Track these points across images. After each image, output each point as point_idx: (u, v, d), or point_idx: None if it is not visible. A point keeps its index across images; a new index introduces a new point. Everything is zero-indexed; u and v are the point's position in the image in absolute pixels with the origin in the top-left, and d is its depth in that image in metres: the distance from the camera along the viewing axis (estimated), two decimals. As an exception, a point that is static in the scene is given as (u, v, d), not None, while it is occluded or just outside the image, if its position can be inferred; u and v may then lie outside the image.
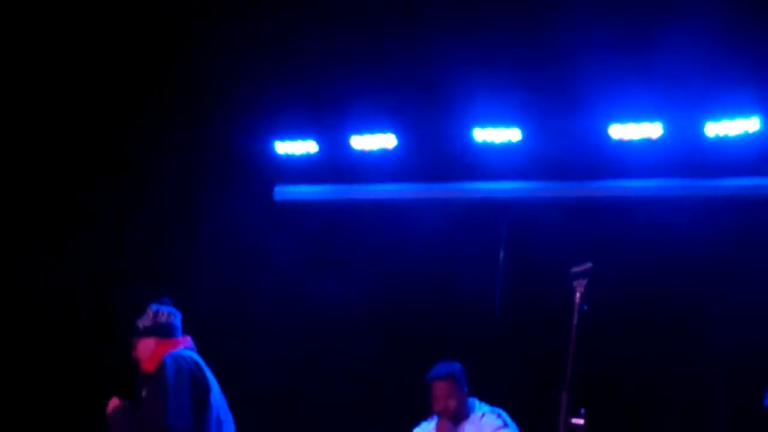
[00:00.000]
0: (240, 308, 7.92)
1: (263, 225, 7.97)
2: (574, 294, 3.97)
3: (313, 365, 7.78)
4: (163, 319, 5.42)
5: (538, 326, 6.99)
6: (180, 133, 7.80)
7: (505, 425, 5.41)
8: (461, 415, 5.44)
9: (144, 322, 5.38)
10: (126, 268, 7.86)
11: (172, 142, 7.84)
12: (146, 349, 5.29)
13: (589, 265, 4.01)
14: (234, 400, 7.43)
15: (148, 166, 7.91)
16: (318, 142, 7.68)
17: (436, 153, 7.33)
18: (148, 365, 5.22)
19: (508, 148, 7.07)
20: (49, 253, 7.92)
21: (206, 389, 5.18)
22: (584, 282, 3.99)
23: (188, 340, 5.43)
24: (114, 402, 5.20)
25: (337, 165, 7.66)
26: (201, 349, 6.79)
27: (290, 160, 7.79)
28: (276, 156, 7.81)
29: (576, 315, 3.94)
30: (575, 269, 4.00)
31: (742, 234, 6.61)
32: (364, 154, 7.49)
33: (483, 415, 5.47)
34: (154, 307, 5.45)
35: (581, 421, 3.90)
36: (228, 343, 7.73)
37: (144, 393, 5.17)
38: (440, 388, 5.39)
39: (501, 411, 5.52)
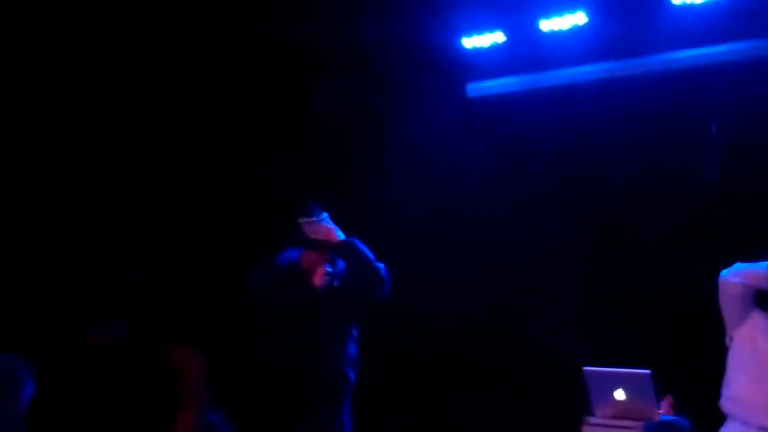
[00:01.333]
0: (437, 213, 7.80)
1: (459, 124, 7.79)
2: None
3: (533, 261, 7.57)
4: None
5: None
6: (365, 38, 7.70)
7: None
8: None
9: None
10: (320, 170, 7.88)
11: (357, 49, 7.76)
12: None
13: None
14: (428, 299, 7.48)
15: (335, 71, 7.85)
16: (505, 32, 7.41)
17: (631, 24, 6.87)
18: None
19: (709, 8, 6.54)
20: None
21: None
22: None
23: None
24: None
25: (528, 52, 7.36)
26: (395, 247, 6.85)
27: (479, 54, 7.56)
28: (465, 51, 7.60)
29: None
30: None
31: None
32: (554, 36, 7.14)
33: None
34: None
35: None
36: (420, 238, 7.68)
37: None
38: None
39: None
